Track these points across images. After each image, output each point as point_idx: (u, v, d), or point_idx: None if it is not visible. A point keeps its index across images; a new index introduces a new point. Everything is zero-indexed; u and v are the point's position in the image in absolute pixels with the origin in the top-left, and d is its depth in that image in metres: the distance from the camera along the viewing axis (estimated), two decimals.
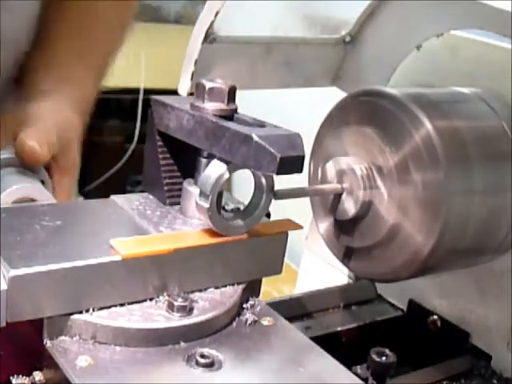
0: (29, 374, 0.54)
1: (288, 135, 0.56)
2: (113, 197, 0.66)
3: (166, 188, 0.66)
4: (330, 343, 0.62)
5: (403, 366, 0.75)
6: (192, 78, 0.77)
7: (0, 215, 0.59)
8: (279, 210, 0.68)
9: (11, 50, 0.86)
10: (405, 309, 0.89)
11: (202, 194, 0.57)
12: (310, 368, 0.55)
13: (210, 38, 0.77)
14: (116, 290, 0.55)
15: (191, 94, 0.74)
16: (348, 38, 0.90)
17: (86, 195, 2.55)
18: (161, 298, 0.57)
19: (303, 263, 1.02)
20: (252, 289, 0.63)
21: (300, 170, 0.56)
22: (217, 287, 0.60)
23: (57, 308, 0.52)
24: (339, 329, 0.83)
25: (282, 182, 0.61)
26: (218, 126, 0.58)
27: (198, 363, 0.52)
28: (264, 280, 0.65)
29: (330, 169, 0.69)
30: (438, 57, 0.83)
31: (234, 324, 0.59)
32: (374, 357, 0.68)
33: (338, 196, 0.69)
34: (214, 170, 0.57)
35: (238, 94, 0.62)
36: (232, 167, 0.57)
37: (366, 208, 0.67)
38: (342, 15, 0.93)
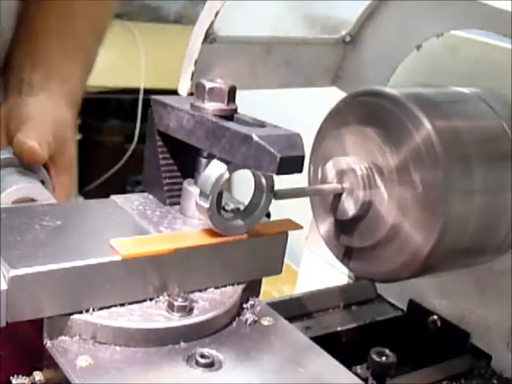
0: (29, 374, 0.54)
1: (288, 135, 0.56)
2: (113, 197, 0.66)
3: (166, 188, 0.66)
4: (329, 343, 0.62)
5: (403, 366, 0.75)
6: (192, 78, 0.77)
7: (0, 215, 0.59)
8: (279, 210, 0.68)
9: None
10: (405, 309, 0.89)
11: (201, 193, 0.57)
12: (310, 368, 0.55)
13: (210, 37, 0.77)
14: (116, 290, 0.55)
15: (191, 94, 0.74)
16: (348, 38, 0.90)
17: (86, 195, 2.55)
18: (161, 297, 0.57)
19: (303, 263, 1.02)
20: (252, 289, 0.63)
21: (300, 170, 0.56)
22: (217, 287, 0.60)
23: (57, 308, 0.52)
24: (339, 329, 0.83)
25: (282, 182, 0.61)
26: (217, 126, 0.58)
27: (197, 363, 0.52)
28: (264, 280, 0.65)
29: (330, 169, 0.69)
30: (438, 57, 0.83)
31: (234, 324, 0.59)
32: (374, 357, 0.68)
33: (337, 196, 0.69)
34: (214, 170, 0.57)
35: (238, 94, 0.62)
36: (232, 167, 0.57)
37: (366, 208, 0.67)
38: (342, 15, 0.93)
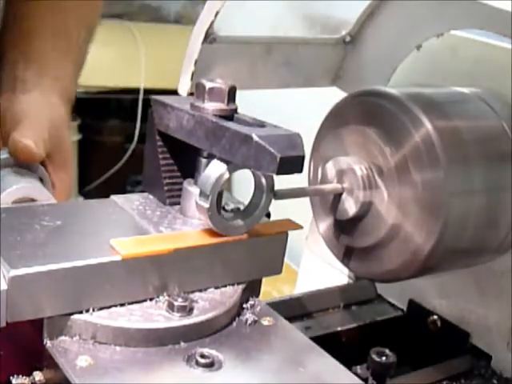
0: (29, 374, 0.54)
1: (288, 135, 0.56)
2: (113, 197, 0.66)
3: (166, 188, 0.66)
4: (330, 343, 0.62)
5: (403, 366, 0.75)
6: (192, 78, 0.77)
7: (0, 215, 0.59)
8: (279, 210, 0.68)
9: None
10: (405, 309, 0.89)
11: (202, 194, 0.57)
12: (310, 368, 0.55)
13: (210, 37, 0.77)
14: (116, 290, 0.55)
15: (191, 94, 0.74)
16: (348, 38, 0.90)
17: (86, 195, 2.55)
18: (161, 297, 0.57)
19: (303, 263, 1.02)
20: (252, 289, 0.63)
21: (300, 170, 0.56)
22: (217, 287, 0.60)
23: (57, 308, 0.52)
24: (339, 329, 0.83)
25: (282, 182, 0.61)
26: (217, 126, 0.58)
27: (197, 363, 0.52)
28: (264, 280, 0.65)
29: (330, 169, 0.69)
30: (438, 57, 0.83)
31: (234, 324, 0.59)
32: (374, 357, 0.68)
33: (338, 196, 0.69)
34: (214, 170, 0.57)
35: (238, 94, 0.62)
36: (232, 167, 0.57)
37: (366, 208, 0.67)
38: (342, 15, 0.93)
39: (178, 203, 0.65)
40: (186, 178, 0.65)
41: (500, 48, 0.76)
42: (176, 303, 0.55)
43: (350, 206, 0.68)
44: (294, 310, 0.84)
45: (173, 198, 0.66)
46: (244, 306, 0.61)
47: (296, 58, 0.88)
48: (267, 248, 0.63)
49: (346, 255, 0.72)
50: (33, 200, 0.71)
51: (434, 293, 0.85)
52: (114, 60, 2.55)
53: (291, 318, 0.75)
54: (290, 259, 0.86)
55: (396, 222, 0.66)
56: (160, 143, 0.65)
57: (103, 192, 0.69)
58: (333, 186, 0.69)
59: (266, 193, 0.60)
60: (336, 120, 0.72)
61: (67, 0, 0.90)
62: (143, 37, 2.56)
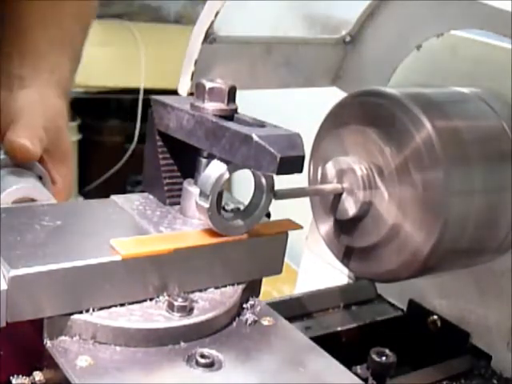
0: (29, 374, 0.54)
1: (288, 135, 0.56)
2: (113, 197, 0.66)
3: (166, 188, 0.66)
4: (329, 343, 0.62)
5: (403, 366, 0.75)
6: (192, 78, 0.77)
7: (0, 215, 0.59)
8: (279, 210, 0.68)
9: None
10: (405, 309, 0.89)
11: (202, 193, 0.57)
12: (310, 368, 0.55)
13: (210, 37, 0.77)
14: (116, 290, 0.55)
15: (191, 93, 0.74)
16: (348, 38, 0.90)
17: (86, 195, 2.55)
18: (161, 298, 0.57)
19: (303, 263, 1.02)
20: (252, 289, 0.63)
21: (300, 170, 0.56)
22: (217, 287, 0.60)
23: (57, 308, 0.52)
24: (339, 329, 0.83)
25: (282, 182, 0.61)
26: (218, 125, 0.58)
27: (198, 363, 0.52)
28: (264, 280, 0.65)
29: (330, 169, 0.69)
30: (438, 57, 0.83)
31: (234, 324, 0.59)
32: (374, 357, 0.68)
33: (338, 196, 0.69)
34: (214, 170, 0.57)
35: (238, 94, 0.62)
36: (232, 167, 0.57)
37: (366, 208, 0.67)
38: (342, 15, 0.93)
39: (178, 203, 0.65)
40: (186, 178, 0.65)
41: (500, 48, 0.76)
42: (176, 303, 0.55)
43: (350, 206, 0.68)
44: (294, 310, 0.84)
45: (173, 197, 0.66)
46: (244, 305, 0.61)
47: (296, 58, 0.88)
48: (267, 248, 0.63)
49: (346, 255, 0.72)
50: (33, 200, 0.71)
51: (434, 293, 0.85)
52: (113, 60, 2.55)
53: (291, 318, 0.75)
54: (290, 259, 0.86)
55: (396, 222, 0.66)
56: (160, 143, 0.65)
57: (103, 192, 0.69)
58: (333, 186, 0.69)
59: (266, 193, 0.60)
60: (336, 120, 0.72)
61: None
62: (143, 37, 2.56)
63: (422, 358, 0.81)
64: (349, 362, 0.60)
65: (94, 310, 0.54)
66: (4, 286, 0.50)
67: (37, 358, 0.53)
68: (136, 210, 0.64)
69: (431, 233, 0.64)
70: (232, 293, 0.60)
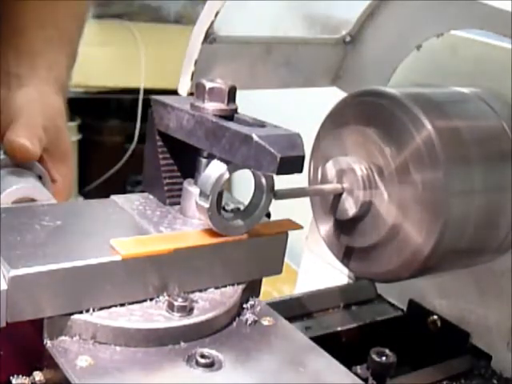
0: (29, 374, 0.54)
1: (288, 135, 0.56)
2: (113, 197, 0.66)
3: (166, 188, 0.66)
4: (329, 343, 0.62)
5: (403, 366, 0.75)
6: (192, 78, 0.77)
7: (0, 215, 0.58)
8: (279, 210, 0.68)
9: None
10: (405, 309, 0.89)
11: (202, 193, 0.57)
12: (310, 368, 0.55)
13: (210, 38, 0.77)
14: (116, 290, 0.55)
15: (191, 93, 0.74)
16: (348, 38, 0.90)
17: (86, 195, 2.55)
18: (161, 298, 0.57)
19: (303, 263, 1.02)
20: (252, 289, 0.63)
21: (300, 170, 0.56)
22: (217, 287, 0.60)
23: (57, 308, 0.52)
24: (339, 329, 0.83)
25: (282, 182, 0.61)
26: (218, 125, 0.58)
27: (198, 363, 0.52)
28: (264, 280, 0.65)
29: (330, 169, 0.69)
30: (438, 57, 0.83)
31: (234, 324, 0.59)
32: (374, 357, 0.68)
33: (337, 196, 0.69)
34: (214, 170, 0.57)
35: (238, 94, 0.62)
36: (232, 167, 0.57)
37: (366, 208, 0.67)
38: (342, 15, 0.93)
39: (178, 203, 0.65)
40: (186, 178, 0.65)
41: (500, 48, 0.76)
42: (176, 303, 0.55)
43: (350, 206, 0.68)
44: (294, 310, 0.84)
45: (173, 197, 0.66)
46: (244, 306, 0.61)
47: (296, 58, 0.88)
48: (267, 248, 0.63)
49: (346, 255, 0.72)
50: (33, 200, 0.71)
51: (434, 293, 0.85)
52: (114, 60, 2.55)
53: (291, 318, 0.75)
54: (290, 259, 0.86)
55: (396, 222, 0.66)
56: (160, 143, 0.65)
57: (103, 192, 0.69)
58: (333, 186, 0.69)
59: (266, 193, 0.60)
60: (336, 120, 0.72)
61: None
62: (143, 37, 2.56)
63: (422, 357, 0.81)
64: (349, 362, 0.60)
65: (94, 310, 0.54)
66: (4, 286, 0.50)
67: (37, 357, 0.53)
68: (136, 209, 0.64)
69: (431, 233, 0.64)
70: (232, 293, 0.60)
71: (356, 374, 0.65)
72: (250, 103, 0.79)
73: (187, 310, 0.55)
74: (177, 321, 0.55)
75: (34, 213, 0.61)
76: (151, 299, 0.57)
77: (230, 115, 0.60)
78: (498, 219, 0.69)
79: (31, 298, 0.51)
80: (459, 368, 0.80)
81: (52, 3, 0.89)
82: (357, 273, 0.80)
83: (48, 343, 0.53)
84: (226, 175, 0.57)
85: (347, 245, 0.71)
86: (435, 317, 0.84)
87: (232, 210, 0.64)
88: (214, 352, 0.53)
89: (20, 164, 0.75)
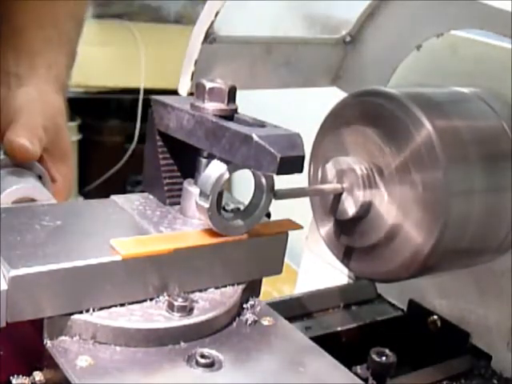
0: (29, 374, 0.54)
1: (288, 135, 0.56)
2: (113, 197, 0.66)
3: (166, 188, 0.66)
4: (329, 343, 0.62)
5: (403, 366, 0.75)
6: (192, 78, 0.77)
7: (0, 215, 0.58)
8: (279, 210, 0.68)
9: None
10: (405, 309, 0.89)
11: (202, 193, 0.57)
12: (310, 368, 0.55)
13: (210, 38, 0.77)
14: (116, 290, 0.55)
15: (191, 93, 0.74)
16: (348, 38, 0.90)
17: (86, 195, 2.55)
18: (161, 298, 0.57)
19: (303, 263, 1.02)
20: (252, 289, 0.63)
21: (300, 170, 0.56)
22: (217, 287, 0.60)
23: (57, 308, 0.52)
24: (339, 329, 0.83)
25: (282, 182, 0.61)
26: (218, 125, 0.58)
27: (198, 363, 0.52)
28: (264, 280, 0.65)
29: (330, 169, 0.69)
30: (438, 57, 0.83)
31: (234, 324, 0.59)
32: (374, 357, 0.68)
33: (338, 196, 0.69)
34: (214, 170, 0.57)
35: (238, 94, 0.62)
36: (232, 167, 0.57)
37: (366, 208, 0.67)
38: (342, 15, 0.93)
39: (178, 203, 0.65)
40: (186, 178, 0.65)
41: (500, 48, 0.76)
42: (176, 303, 0.55)
43: (350, 206, 0.68)
44: (294, 310, 0.84)
45: (173, 197, 0.66)
46: (244, 306, 0.61)
47: (296, 58, 0.88)
48: (267, 248, 0.63)
49: (346, 255, 0.72)
50: (33, 200, 0.71)
51: (434, 293, 0.85)
52: (113, 60, 2.55)
53: (291, 318, 0.75)
54: (290, 259, 0.86)
55: (396, 222, 0.66)
56: (160, 143, 0.65)
57: (103, 192, 0.69)
58: (333, 186, 0.69)
59: (266, 193, 0.60)
60: (336, 120, 0.72)
61: None
62: (143, 37, 2.56)
63: (422, 357, 0.81)
64: (349, 362, 0.60)
65: (94, 310, 0.54)
66: (4, 286, 0.50)
67: (37, 357, 0.53)
68: (136, 209, 0.64)
69: (431, 233, 0.64)
70: (232, 293, 0.60)
71: (356, 374, 0.65)
72: (249, 103, 0.79)
73: (187, 310, 0.55)
74: (177, 321, 0.55)
75: (34, 213, 0.61)
76: (151, 299, 0.57)
77: (230, 115, 0.60)
78: (497, 219, 0.69)
79: (31, 298, 0.51)
80: (459, 368, 0.80)
81: (51, 3, 0.89)
82: (357, 273, 0.80)
83: (48, 343, 0.53)
84: (226, 175, 0.57)
85: (347, 245, 0.71)
86: (435, 317, 0.84)
87: (232, 210, 0.64)
88: (214, 352, 0.53)
89: (20, 164, 0.75)
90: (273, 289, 1.58)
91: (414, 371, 0.79)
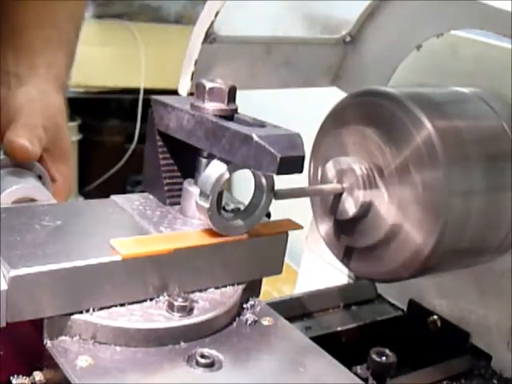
0: (29, 374, 0.54)
1: (288, 135, 0.56)
2: (113, 197, 0.66)
3: (166, 188, 0.66)
4: (330, 343, 0.62)
5: (403, 366, 0.75)
6: (192, 78, 0.77)
7: (0, 215, 0.58)
8: (279, 210, 0.68)
9: None
10: (405, 309, 0.89)
11: (202, 193, 0.57)
12: (310, 368, 0.55)
13: (210, 38, 0.77)
14: (116, 290, 0.55)
15: (191, 93, 0.74)
16: (348, 38, 0.90)
17: (86, 195, 2.55)
18: (161, 298, 0.57)
19: (303, 263, 1.02)
20: (252, 289, 0.63)
21: (300, 170, 0.56)
22: (217, 287, 0.60)
23: (57, 308, 0.52)
24: (339, 329, 0.83)
25: (282, 182, 0.61)
26: (218, 125, 0.58)
27: (198, 363, 0.52)
28: (264, 280, 0.65)
29: (330, 169, 0.69)
30: (438, 57, 0.83)
31: (234, 324, 0.59)
32: (374, 357, 0.68)
33: (338, 196, 0.69)
34: (214, 170, 0.57)
35: (238, 94, 0.62)
36: (232, 167, 0.57)
37: (366, 208, 0.67)
38: (342, 15, 0.93)
39: (178, 203, 0.65)
40: (186, 178, 0.65)
41: (500, 48, 0.76)
42: (176, 303, 0.55)
43: (350, 206, 0.68)
44: (294, 310, 0.84)
45: (173, 197, 0.66)
46: (244, 306, 0.61)
47: (296, 58, 0.88)
48: (267, 248, 0.63)
49: (346, 255, 0.72)
50: (33, 200, 0.71)
51: (434, 293, 0.85)
52: (114, 60, 2.55)
53: (291, 318, 0.75)
54: (290, 259, 0.86)
55: (396, 222, 0.66)
56: (160, 143, 0.65)
57: (103, 192, 0.69)
58: (333, 186, 0.69)
59: (266, 193, 0.60)
60: (336, 120, 0.72)
61: None
62: (143, 37, 2.56)
63: (422, 357, 0.81)
64: (349, 362, 0.60)
65: (94, 310, 0.54)
66: (4, 286, 0.50)
67: (37, 357, 0.53)
68: (136, 209, 0.64)
69: (431, 233, 0.64)
70: (232, 293, 0.60)
71: (356, 374, 0.65)
72: (250, 103, 0.79)
73: (187, 310, 0.55)
74: (177, 321, 0.55)
75: (34, 213, 0.61)
76: (151, 299, 0.57)
77: (230, 115, 0.60)
78: (498, 219, 0.69)
79: (31, 297, 0.51)
80: (459, 368, 0.80)
81: (51, 3, 0.89)
82: (357, 273, 0.80)
83: (48, 343, 0.53)
84: (226, 175, 0.57)
85: (347, 245, 0.71)
86: (435, 317, 0.84)
87: (232, 210, 0.64)
88: (214, 352, 0.53)
89: (20, 164, 0.75)
90: (273, 289, 1.58)
91: (414, 371, 0.79)
